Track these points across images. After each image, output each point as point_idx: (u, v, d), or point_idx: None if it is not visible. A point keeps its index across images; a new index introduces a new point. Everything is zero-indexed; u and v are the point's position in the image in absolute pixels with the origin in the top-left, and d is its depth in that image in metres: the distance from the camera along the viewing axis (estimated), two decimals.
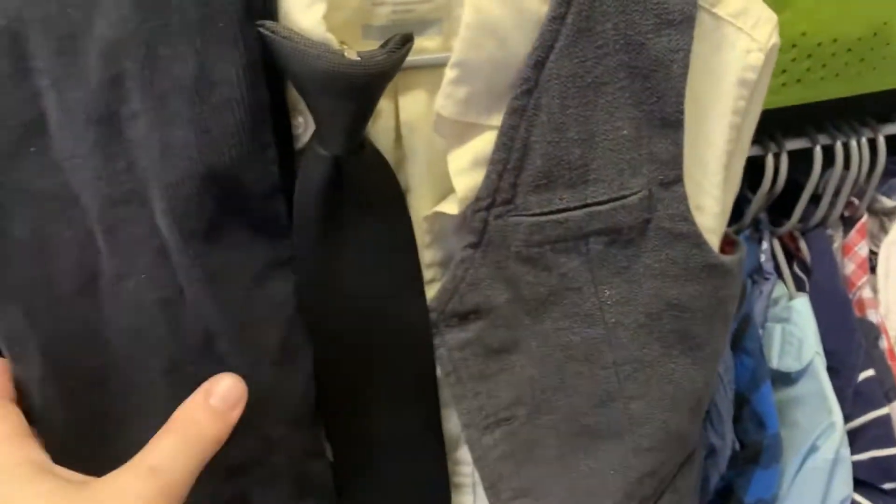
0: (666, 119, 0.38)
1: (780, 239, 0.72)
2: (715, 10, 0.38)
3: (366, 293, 0.41)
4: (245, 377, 0.36)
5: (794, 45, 0.54)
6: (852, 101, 0.63)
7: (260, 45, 0.32)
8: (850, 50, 0.57)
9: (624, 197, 0.39)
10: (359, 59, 0.32)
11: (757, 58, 0.39)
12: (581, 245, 0.40)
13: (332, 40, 0.32)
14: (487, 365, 0.44)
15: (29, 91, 0.32)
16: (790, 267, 0.71)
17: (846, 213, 0.71)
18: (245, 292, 0.37)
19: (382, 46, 0.34)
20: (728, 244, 0.46)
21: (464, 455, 0.51)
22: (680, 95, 0.37)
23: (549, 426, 0.46)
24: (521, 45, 0.35)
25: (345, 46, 0.33)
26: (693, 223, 0.40)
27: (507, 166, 0.37)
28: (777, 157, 0.64)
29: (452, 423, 0.49)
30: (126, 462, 0.33)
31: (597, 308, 0.42)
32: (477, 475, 0.52)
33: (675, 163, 0.39)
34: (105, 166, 0.33)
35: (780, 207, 0.70)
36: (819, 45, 0.55)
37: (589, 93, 0.37)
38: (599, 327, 0.43)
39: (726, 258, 0.43)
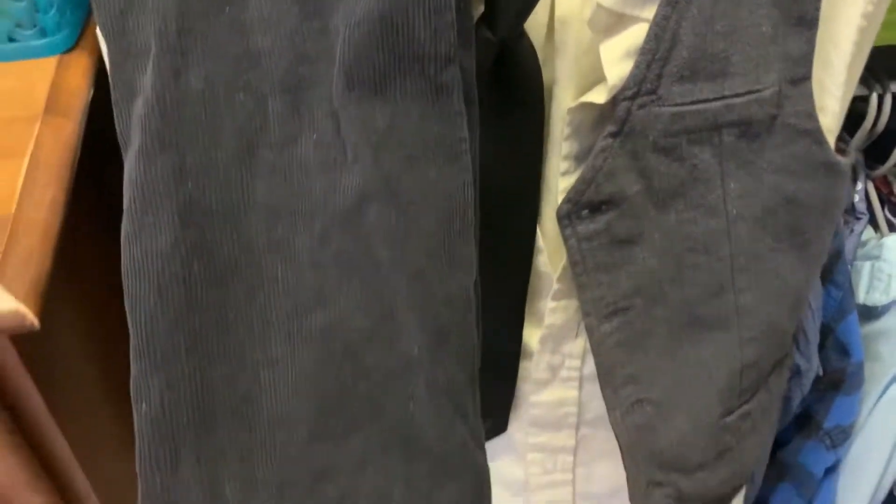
0: (802, 17, 0.41)
1: (875, 183, 0.75)
2: None
3: (490, 174, 0.43)
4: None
5: None
6: None
7: None
8: None
9: (758, 91, 0.43)
10: None
11: None
12: (714, 136, 0.44)
13: None
14: (612, 256, 0.48)
15: None
16: (882, 210, 0.74)
17: None
18: (406, 161, 0.37)
19: None
20: (839, 150, 0.50)
21: (572, 348, 0.56)
22: None
23: (663, 317, 0.51)
24: None
25: None
26: (817, 120, 0.44)
27: (655, 56, 0.42)
28: (881, 97, 0.67)
29: (561, 315, 0.53)
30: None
31: (721, 200, 0.46)
32: (584, 370, 0.57)
33: (805, 61, 0.43)
34: (301, 24, 0.36)
35: (877, 152, 0.72)
36: None
37: None
38: (721, 219, 0.47)
39: (842, 159, 0.46)
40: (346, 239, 0.33)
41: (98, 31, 0.38)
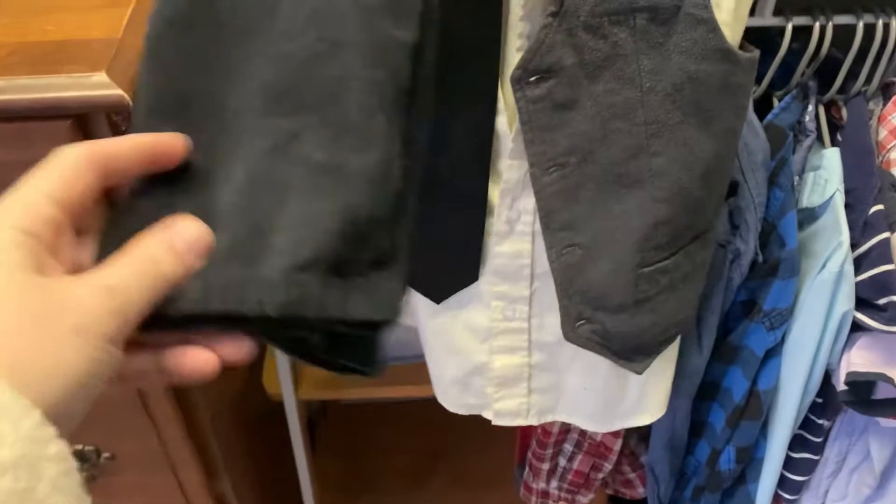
0: None
1: (827, 110, 0.86)
2: None
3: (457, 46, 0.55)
4: None
5: None
6: None
7: None
8: None
9: None
10: None
11: None
12: (630, 19, 0.57)
13: None
14: (553, 117, 0.62)
15: None
16: (832, 135, 0.85)
17: (886, 91, 0.84)
18: None
19: None
20: (746, 51, 0.62)
21: (526, 204, 0.69)
22: None
23: (591, 174, 0.64)
24: None
25: None
26: (711, 12, 0.57)
27: None
28: (823, 28, 0.78)
29: (516, 172, 0.67)
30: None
31: (636, 73, 0.59)
32: (536, 226, 0.70)
33: None
34: None
35: (829, 82, 0.83)
36: None
37: None
38: (636, 90, 0.60)
39: (735, 49, 0.59)
40: None
41: None
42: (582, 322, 0.70)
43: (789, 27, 0.78)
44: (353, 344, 0.41)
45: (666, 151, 0.62)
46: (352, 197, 0.39)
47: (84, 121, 0.59)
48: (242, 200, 0.39)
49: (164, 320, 0.35)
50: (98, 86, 0.55)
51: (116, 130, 0.59)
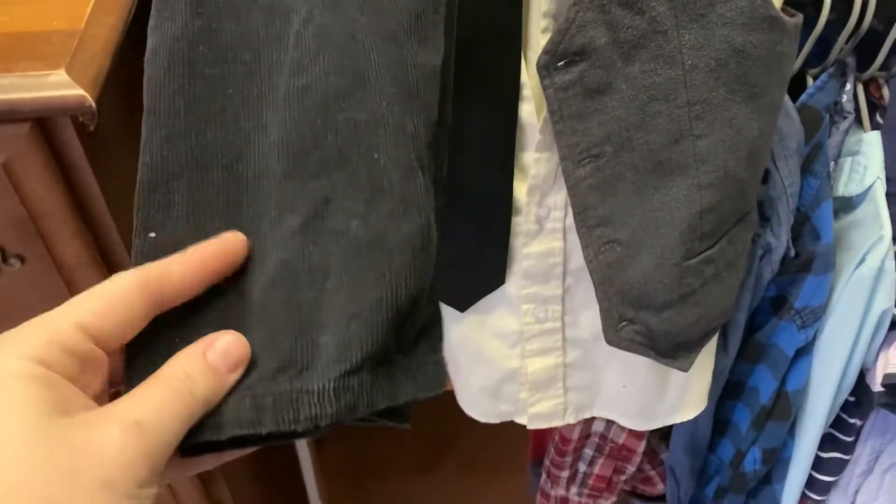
0: None
1: (866, 88, 0.80)
2: None
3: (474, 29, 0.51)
4: None
5: None
6: None
7: None
8: None
9: None
10: None
11: None
12: None
13: None
14: (585, 105, 0.56)
15: None
16: (871, 115, 0.79)
17: None
18: None
19: None
20: (789, 15, 0.56)
21: (556, 200, 0.63)
22: None
23: (630, 163, 0.58)
24: None
25: None
26: None
27: None
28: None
29: (544, 165, 0.61)
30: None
31: (677, 51, 0.53)
32: (567, 221, 0.64)
33: None
34: None
35: (870, 58, 0.77)
36: None
37: None
38: (678, 68, 0.54)
39: (784, 15, 0.53)
40: (326, 15, 0.39)
41: None
42: (624, 324, 0.64)
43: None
44: (391, 410, 0.38)
45: (711, 133, 0.56)
46: (398, 279, 0.35)
47: (45, 125, 0.51)
48: (280, 293, 0.35)
49: (206, 446, 0.33)
50: (57, 86, 0.47)
51: (84, 134, 0.51)
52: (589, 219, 0.60)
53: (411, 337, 0.37)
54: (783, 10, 0.55)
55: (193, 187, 0.38)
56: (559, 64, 0.54)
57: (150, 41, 0.41)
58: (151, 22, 0.41)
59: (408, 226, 0.37)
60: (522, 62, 0.57)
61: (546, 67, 0.54)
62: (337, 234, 0.36)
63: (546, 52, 0.54)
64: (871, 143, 0.74)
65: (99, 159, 0.53)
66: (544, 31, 0.56)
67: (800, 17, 0.54)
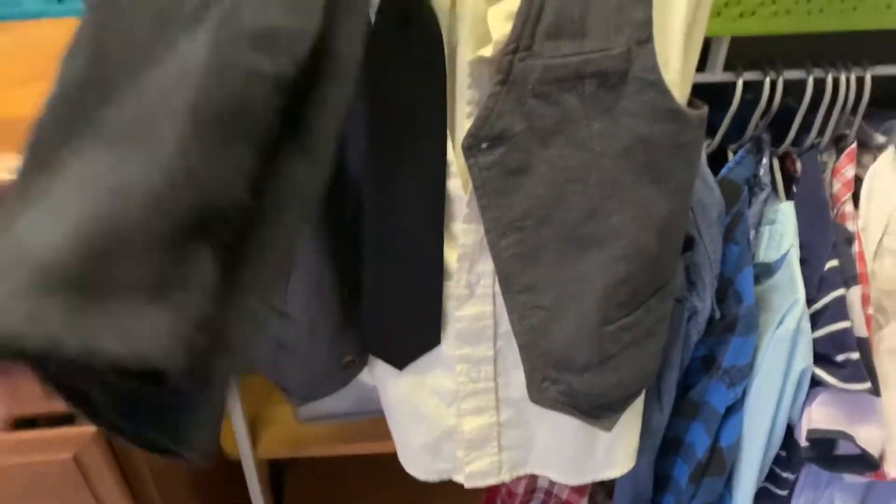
0: None
1: (782, 162, 0.86)
2: None
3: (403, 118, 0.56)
4: None
5: None
6: (847, 40, 0.76)
7: None
8: None
9: (609, 49, 0.55)
10: None
11: None
12: (579, 85, 0.56)
13: None
14: (506, 183, 0.61)
15: None
16: (787, 187, 0.85)
17: (838, 144, 0.85)
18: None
19: None
20: (695, 107, 0.61)
21: (484, 268, 0.68)
22: None
23: (550, 235, 0.63)
24: None
25: None
26: (659, 74, 0.56)
27: (528, 18, 0.54)
28: (773, 83, 0.78)
29: (472, 236, 0.65)
30: None
31: (588, 138, 0.59)
32: (496, 287, 0.69)
33: (646, 26, 0.55)
34: None
35: (783, 134, 0.84)
36: None
37: None
38: (589, 153, 0.59)
39: (686, 108, 0.58)
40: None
41: None
42: (547, 384, 0.68)
43: (740, 82, 0.78)
44: (155, 411, 0.34)
45: (622, 211, 0.61)
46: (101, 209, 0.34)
47: None
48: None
49: None
50: None
51: None
52: (513, 285, 0.65)
53: (125, 285, 0.34)
54: (691, 101, 0.61)
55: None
56: (482, 146, 0.59)
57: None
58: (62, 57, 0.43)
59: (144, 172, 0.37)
60: (449, 142, 0.62)
61: (469, 149, 0.59)
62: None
63: (469, 135, 0.59)
64: (787, 212, 0.80)
65: None
66: (468, 116, 0.61)
67: (704, 110, 0.60)
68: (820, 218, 0.79)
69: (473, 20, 0.58)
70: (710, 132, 0.81)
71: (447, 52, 0.58)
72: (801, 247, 0.79)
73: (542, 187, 0.61)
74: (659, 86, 0.57)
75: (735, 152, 0.83)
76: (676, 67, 0.57)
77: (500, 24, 0.55)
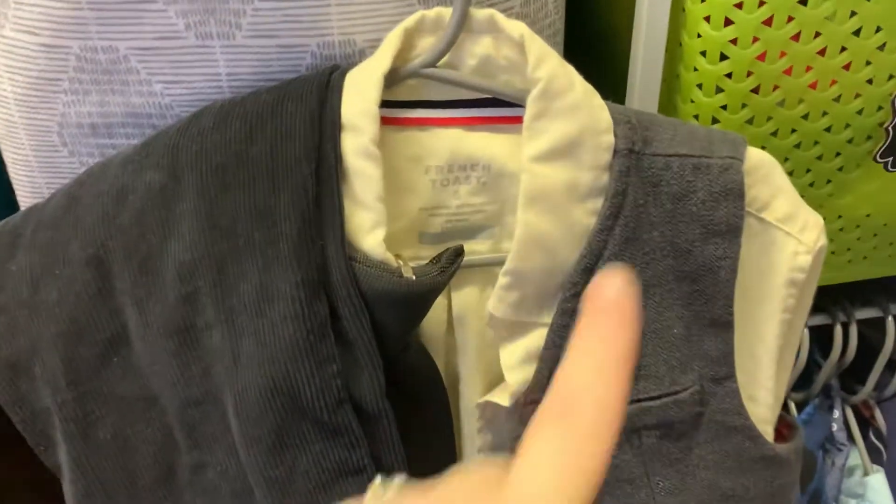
0: (715, 320, 0.39)
1: (855, 407, 0.70)
2: (762, 215, 0.39)
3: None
4: None
5: (857, 226, 0.54)
6: None
7: (318, 264, 0.34)
8: None
9: (675, 393, 0.39)
10: (413, 278, 0.34)
11: (805, 260, 0.39)
12: (633, 438, 0.40)
13: (391, 260, 0.35)
14: None
15: (112, 308, 0.35)
16: (865, 437, 0.69)
17: None
18: (309, 498, 0.36)
19: (435, 260, 0.36)
20: (785, 426, 0.45)
21: None
22: (728, 298, 0.38)
23: None
24: (569, 253, 0.37)
25: (401, 262, 0.35)
26: (746, 417, 0.40)
27: (557, 363, 0.38)
28: (846, 326, 0.63)
29: None
30: None
31: (650, 498, 0.42)
32: None
33: (725, 360, 0.39)
34: (182, 373, 0.36)
35: (855, 374, 0.68)
36: (885, 225, 0.55)
37: (638, 294, 0.38)
38: None
39: (782, 448, 0.42)
40: None
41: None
42: None
43: (806, 332, 0.62)
44: None
45: None
46: None
47: None
48: None
49: None
50: None
51: None
52: None
53: None
54: (782, 419, 0.45)
55: None
56: None
57: None
58: None
59: None
60: None
61: None
62: None
63: None
64: (878, 489, 0.63)
65: None
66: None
67: (800, 440, 0.44)
68: None
69: (478, 347, 0.42)
70: None
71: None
72: None
73: None
74: (745, 431, 0.41)
75: (800, 406, 0.67)
76: (768, 402, 0.41)
77: (518, 368, 0.40)
